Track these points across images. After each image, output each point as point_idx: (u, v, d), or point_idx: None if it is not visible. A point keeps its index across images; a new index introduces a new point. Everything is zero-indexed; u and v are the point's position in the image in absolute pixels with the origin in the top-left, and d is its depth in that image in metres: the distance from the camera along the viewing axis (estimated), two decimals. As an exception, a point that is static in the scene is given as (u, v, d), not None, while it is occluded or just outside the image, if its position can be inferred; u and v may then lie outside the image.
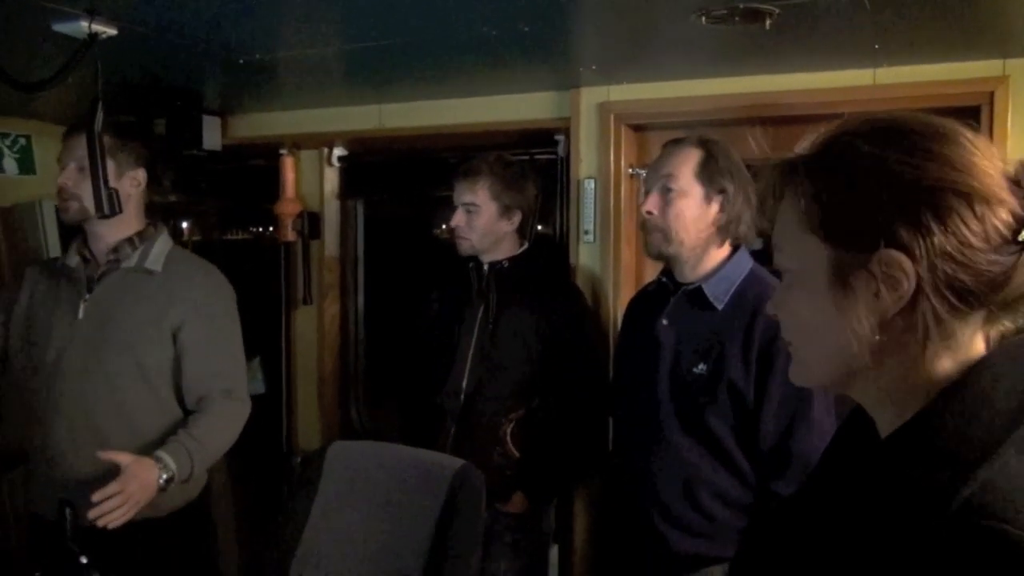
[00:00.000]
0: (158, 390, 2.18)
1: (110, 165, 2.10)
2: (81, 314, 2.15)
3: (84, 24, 1.81)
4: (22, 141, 3.23)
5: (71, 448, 2.14)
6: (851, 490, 0.84)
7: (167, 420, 2.18)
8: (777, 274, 1.91)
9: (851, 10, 1.76)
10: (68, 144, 2.17)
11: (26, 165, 3.25)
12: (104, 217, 1.98)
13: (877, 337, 0.80)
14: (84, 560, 1.90)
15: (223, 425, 2.18)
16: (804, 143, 0.87)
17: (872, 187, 0.79)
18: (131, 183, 2.20)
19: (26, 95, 2.25)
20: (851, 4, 1.73)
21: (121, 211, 2.06)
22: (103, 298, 2.16)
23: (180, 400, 2.22)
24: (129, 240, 2.20)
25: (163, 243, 2.24)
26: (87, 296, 2.16)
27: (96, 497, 1.90)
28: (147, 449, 2.10)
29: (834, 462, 0.99)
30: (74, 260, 2.21)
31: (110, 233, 2.19)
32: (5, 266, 3.12)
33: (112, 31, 1.86)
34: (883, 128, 0.82)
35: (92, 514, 1.90)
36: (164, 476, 2.00)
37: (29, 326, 2.24)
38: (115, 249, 2.19)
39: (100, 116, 1.89)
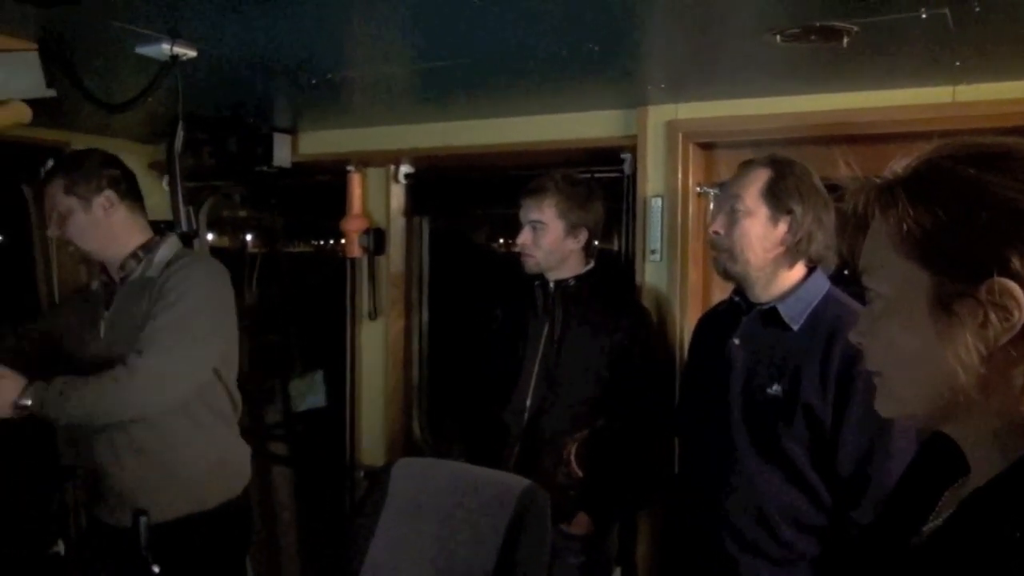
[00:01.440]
0: None
1: (73, 201, 2.21)
2: (102, 331, 2.27)
3: (166, 47, 1.86)
4: (101, 158, 3.33)
5: (112, 457, 2.25)
6: (957, 530, 0.81)
7: (192, 423, 2.27)
8: (856, 296, 1.87)
9: (932, 27, 1.72)
10: (45, 196, 2.27)
11: (105, 181, 3.35)
12: (184, 234, 2.04)
13: (983, 369, 0.77)
14: (156, 569, 1.94)
15: (95, 386, 2.10)
16: (896, 165, 0.85)
17: (981, 213, 0.76)
18: (102, 208, 2.24)
19: (106, 114, 2.33)
20: (933, 21, 1.68)
21: (196, 227, 2.12)
22: (118, 312, 2.27)
23: (206, 403, 2.30)
24: (133, 255, 2.28)
25: (166, 250, 2.30)
26: (105, 314, 2.28)
27: None
28: (177, 451, 2.24)
29: (913, 493, 0.96)
30: (96, 284, 2.38)
31: (114, 254, 2.29)
32: (84, 278, 3.21)
33: (192, 53, 1.91)
34: (987, 153, 0.80)
35: None
36: (24, 398, 2.05)
37: (65, 352, 2.36)
38: (122, 267, 2.29)
39: (181, 135, 1.94)
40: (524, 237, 2.48)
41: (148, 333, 2.15)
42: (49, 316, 2.53)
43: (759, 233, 1.95)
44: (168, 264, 2.28)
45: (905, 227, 0.80)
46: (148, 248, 2.29)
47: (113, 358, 2.19)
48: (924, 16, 1.65)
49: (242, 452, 2.47)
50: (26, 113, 1.99)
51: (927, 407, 0.84)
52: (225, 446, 2.39)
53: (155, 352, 2.13)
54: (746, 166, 2.03)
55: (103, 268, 2.34)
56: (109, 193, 2.26)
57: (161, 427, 2.23)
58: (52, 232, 2.29)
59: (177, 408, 2.23)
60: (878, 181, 0.85)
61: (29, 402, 2.06)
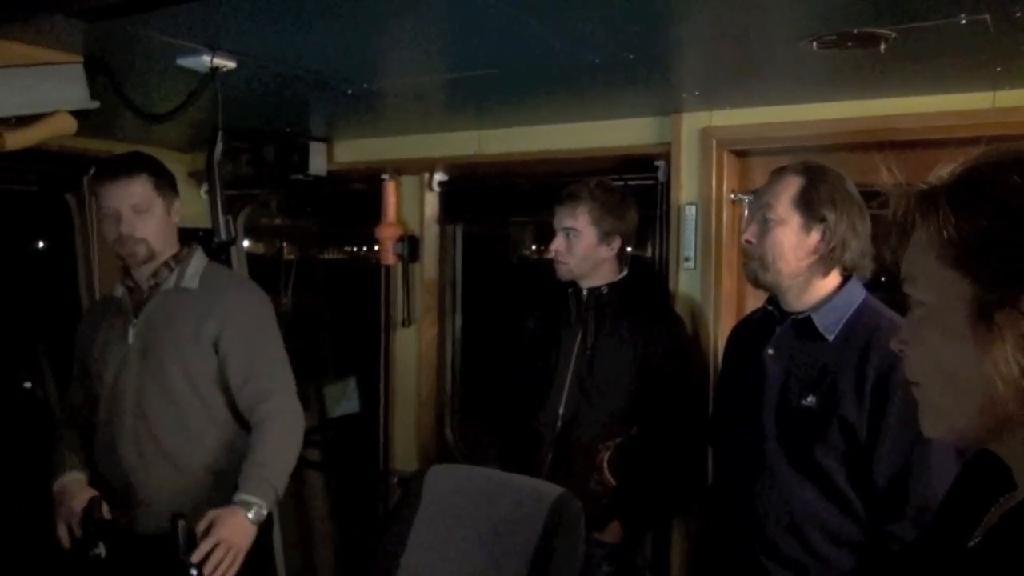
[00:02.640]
0: (209, 401, 2.28)
1: (159, 199, 2.25)
2: (131, 338, 2.27)
3: (206, 59, 1.90)
4: (142, 166, 3.40)
5: (141, 465, 2.25)
6: (996, 545, 0.79)
7: (223, 431, 2.29)
8: (893, 305, 1.84)
9: (972, 32, 1.70)
10: (115, 191, 2.21)
11: (145, 189, 3.41)
12: (223, 243, 2.06)
13: None
14: (195, 573, 1.97)
15: (280, 439, 2.22)
16: (941, 172, 0.84)
17: None
18: (175, 212, 2.31)
19: (147, 124, 2.37)
20: (973, 26, 1.66)
21: (234, 235, 2.14)
22: (148, 320, 2.28)
23: (235, 411, 2.30)
24: (166, 264, 2.31)
25: (198, 262, 2.34)
26: (134, 321, 2.29)
27: (195, 558, 1.96)
28: (207, 459, 2.26)
29: (958, 510, 0.95)
30: (119, 291, 2.36)
31: (157, 258, 2.30)
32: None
33: (231, 64, 1.95)
34: None
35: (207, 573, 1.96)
36: (250, 513, 2.05)
37: (88, 362, 2.38)
38: (154, 274, 2.30)
39: (220, 146, 1.97)
40: (557, 244, 2.48)
41: (270, 369, 2.27)
42: (83, 331, 2.52)
43: (792, 242, 1.92)
44: (203, 277, 2.31)
45: (946, 235, 0.79)
46: (178, 259, 2.33)
47: (143, 363, 2.23)
48: (964, 21, 1.63)
49: None
50: (71, 124, 2.04)
51: (966, 420, 0.82)
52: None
53: (285, 388, 2.27)
54: (778, 174, 2.00)
55: (126, 273, 2.35)
56: (178, 203, 2.34)
57: (192, 438, 2.26)
58: (125, 229, 2.22)
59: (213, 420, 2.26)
60: (920, 188, 0.85)
61: (263, 505, 2.08)
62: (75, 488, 2.21)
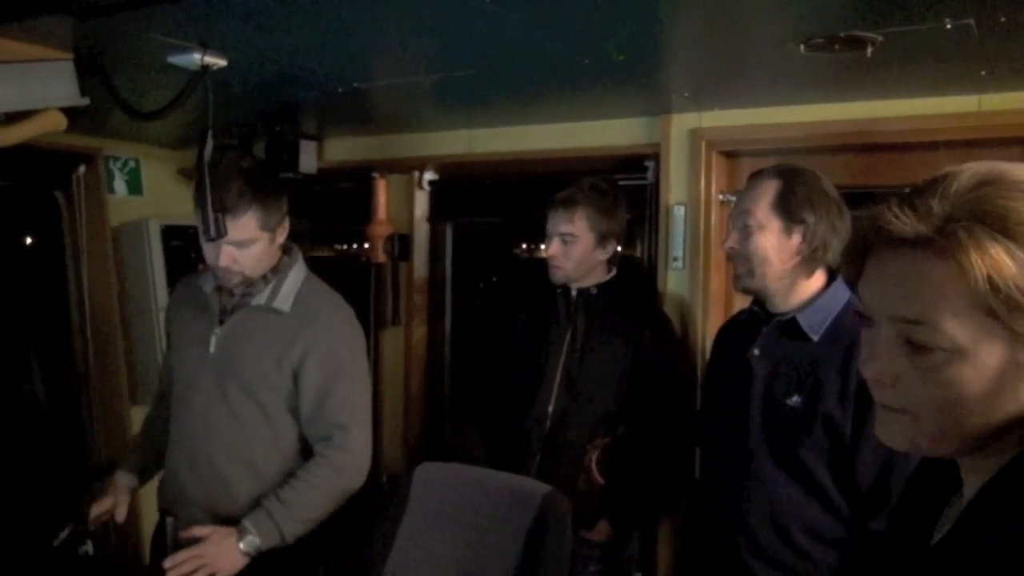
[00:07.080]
0: (280, 432, 2.14)
1: (265, 236, 2.06)
2: (212, 347, 2.14)
3: (197, 56, 1.90)
4: (131, 163, 3.41)
5: (188, 472, 2.16)
6: (955, 544, 0.81)
7: (288, 465, 2.14)
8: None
9: (958, 37, 1.71)
10: (233, 216, 2.02)
11: (135, 186, 3.43)
12: (211, 241, 2.03)
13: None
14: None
15: (320, 483, 2.08)
16: (940, 206, 0.78)
17: None
18: (280, 234, 2.13)
19: (137, 122, 2.36)
20: (958, 31, 1.68)
21: (225, 233, 2.06)
22: (232, 333, 2.14)
23: (305, 446, 2.17)
24: (263, 276, 2.14)
25: (295, 277, 2.17)
26: (218, 329, 2.15)
27: (168, 563, 1.91)
28: (261, 485, 2.10)
29: (917, 505, 0.96)
30: (210, 286, 2.19)
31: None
32: (113, 283, 3.28)
33: (222, 62, 1.95)
34: None
35: None
36: (242, 544, 1.97)
37: (170, 345, 2.30)
38: (249, 283, 2.14)
39: (210, 144, 1.97)
40: (554, 249, 2.45)
41: (339, 408, 2.10)
42: (173, 306, 2.36)
43: (774, 246, 1.93)
44: (297, 297, 2.14)
45: (980, 281, 0.75)
46: (276, 271, 2.16)
47: (217, 379, 2.12)
48: (949, 26, 1.65)
49: None
50: (62, 121, 2.03)
51: (945, 443, 0.82)
52: None
53: (360, 427, 2.14)
54: (754, 178, 2.01)
55: None
56: (287, 221, 2.15)
57: (254, 467, 2.13)
58: (224, 260, 2.04)
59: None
60: (932, 223, 0.78)
61: (257, 540, 1.98)
62: (113, 492, 2.24)
